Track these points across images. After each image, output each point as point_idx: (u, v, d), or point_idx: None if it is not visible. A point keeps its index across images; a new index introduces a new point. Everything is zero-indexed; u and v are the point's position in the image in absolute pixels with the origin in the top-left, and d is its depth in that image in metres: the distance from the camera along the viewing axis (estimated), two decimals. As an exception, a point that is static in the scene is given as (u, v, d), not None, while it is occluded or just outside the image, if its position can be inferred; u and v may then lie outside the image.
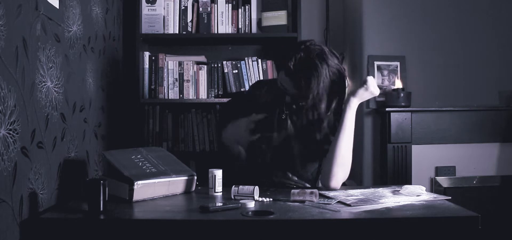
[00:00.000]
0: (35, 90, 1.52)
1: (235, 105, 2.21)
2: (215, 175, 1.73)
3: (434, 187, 3.02)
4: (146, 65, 2.85)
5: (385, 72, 3.06)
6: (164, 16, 2.87)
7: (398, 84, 2.97)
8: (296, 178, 1.91)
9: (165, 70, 2.86)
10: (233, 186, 1.65)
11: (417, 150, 3.00)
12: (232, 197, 1.63)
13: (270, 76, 2.88)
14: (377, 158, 3.05)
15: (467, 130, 3.04)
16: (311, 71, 1.65)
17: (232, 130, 1.91)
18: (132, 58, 2.84)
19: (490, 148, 3.06)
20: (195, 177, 1.80)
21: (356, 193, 1.68)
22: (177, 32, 2.89)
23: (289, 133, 1.87)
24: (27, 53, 1.47)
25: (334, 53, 1.74)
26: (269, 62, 2.89)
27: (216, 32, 2.88)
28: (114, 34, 2.60)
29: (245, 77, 2.88)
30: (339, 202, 1.56)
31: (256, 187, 1.63)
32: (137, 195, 1.61)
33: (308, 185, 1.91)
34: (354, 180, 3.01)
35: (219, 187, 1.74)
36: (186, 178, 1.77)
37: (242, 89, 2.86)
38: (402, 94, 2.92)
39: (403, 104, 2.93)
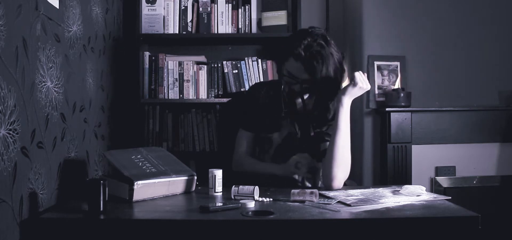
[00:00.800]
0: (35, 90, 1.52)
1: (235, 105, 2.22)
2: (215, 175, 1.73)
3: (434, 187, 3.02)
4: (146, 65, 2.85)
5: (385, 72, 3.05)
6: (164, 16, 2.87)
7: (398, 84, 2.97)
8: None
9: (165, 70, 2.86)
10: (233, 186, 1.65)
11: (417, 150, 3.00)
12: (232, 197, 1.63)
13: (270, 76, 2.88)
14: (377, 158, 3.05)
15: (467, 130, 3.04)
16: (322, 50, 1.74)
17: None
18: (132, 58, 2.84)
19: (490, 148, 3.06)
20: (195, 177, 1.80)
21: (356, 193, 1.68)
22: (177, 32, 2.89)
23: (291, 131, 1.90)
24: (27, 53, 1.46)
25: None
26: (269, 62, 2.89)
27: (216, 32, 2.88)
28: (114, 34, 2.60)
29: (245, 77, 2.88)
30: (339, 202, 1.56)
31: (256, 187, 1.63)
32: (137, 195, 1.61)
33: (309, 185, 1.91)
34: (354, 180, 3.00)
35: (219, 187, 1.73)
36: (186, 178, 1.77)
37: (242, 89, 2.86)
38: (402, 94, 2.91)
39: (403, 104, 2.92)
